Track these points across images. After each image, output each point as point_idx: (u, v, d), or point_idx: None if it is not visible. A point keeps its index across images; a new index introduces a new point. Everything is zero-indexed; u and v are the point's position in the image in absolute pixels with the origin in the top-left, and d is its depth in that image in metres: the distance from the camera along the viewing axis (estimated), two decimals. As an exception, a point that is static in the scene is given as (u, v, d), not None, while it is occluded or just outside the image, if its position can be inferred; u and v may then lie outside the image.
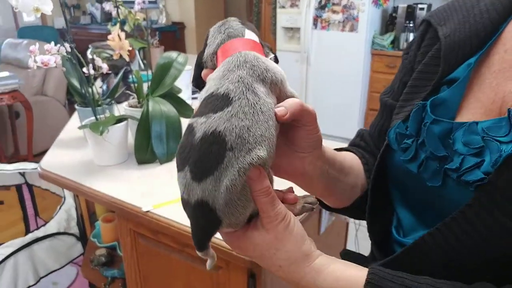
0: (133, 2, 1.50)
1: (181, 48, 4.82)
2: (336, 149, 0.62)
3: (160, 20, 4.78)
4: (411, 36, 3.37)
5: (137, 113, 1.22)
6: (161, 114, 1.22)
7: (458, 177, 0.43)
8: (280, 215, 0.42)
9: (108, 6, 1.66)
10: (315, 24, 3.55)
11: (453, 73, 0.49)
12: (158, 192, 1.08)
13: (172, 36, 4.65)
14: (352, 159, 0.62)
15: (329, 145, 0.56)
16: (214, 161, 0.38)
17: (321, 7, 3.48)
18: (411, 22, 3.36)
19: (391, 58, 3.45)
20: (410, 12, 3.37)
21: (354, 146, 0.68)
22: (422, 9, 3.36)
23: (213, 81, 0.43)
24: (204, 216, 0.40)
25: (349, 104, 3.64)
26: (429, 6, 3.42)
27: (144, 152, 1.21)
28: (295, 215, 0.46)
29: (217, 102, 0.40)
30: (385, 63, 3.50)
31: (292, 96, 0.46)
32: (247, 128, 0.38)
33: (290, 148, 0.49)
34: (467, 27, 0.49)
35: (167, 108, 1.25)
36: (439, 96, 0.48)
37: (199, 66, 0.50)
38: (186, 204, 0.41)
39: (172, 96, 1.32)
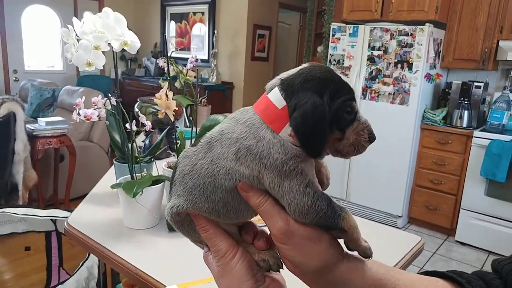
0: (186, 59, 1.51)
1: (229, 108, 4.90)
2: (427, 273, 0.43)
3: (211, 79, 4.94)
4: (465, 114, 3.20)
5: (175, 175, 1.14)
6: (200, 178, 1.13)
7: None
8: (220, 252, 0.42)
9: (161, 62, 1.68)
10: (364, 94, 3.49)
11: None
12: (186, 268, 0.95)
13: (221, 95, 4.76)
14: None
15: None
16: (170, 184, 0.43)
17: (371, 78, 3.44)
18: (466, 99, 3.22)
19: (442, 134, 3.28)
20: (465, 89, 3.23)
21: (477, 278, 0.42)
22: (478, 87, 3.22)
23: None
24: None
25: (395, 179, 3.43)
26: (486, 84, 3.28)
27: (177, 218, 1.11)
28: (254, 260, 0.42)
29: (199, 140, 0.42)
30: (435, 139, 3.32)
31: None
32: (183, 175, 0.40)
33: None
34: None
35: (207, 172, 1.16)
36: None
37: None
38: None
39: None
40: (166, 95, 1.04)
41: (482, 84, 3.23)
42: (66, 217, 1.71)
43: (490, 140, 2.96)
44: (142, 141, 1.67)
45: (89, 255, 1.58)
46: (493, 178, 2.94)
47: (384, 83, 3.37)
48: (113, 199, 1.32)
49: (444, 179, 3.31)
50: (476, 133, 3.07)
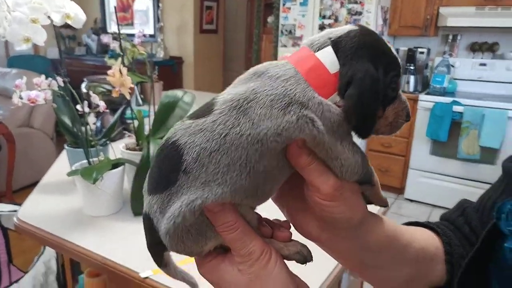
0: (130, 35, 1.41)
1: (179, 83, 4.74)
2: (410, 223, 0.48)
3: (158, 54, 4.73)
4: (412, 79, 3.34)
5: (136, 156, 1.08)
6: (163, 158, 1.08)
7: None
8: (254, 254, 0.33)
9: (106, 39, 1.56)
10: (315, 63, 3.52)
11: None
12: (157, 252, 0.92)
13: (169, 71, 4.58)
14: (426, 243, 0.46)
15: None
16: (166, 178, 0.32)
17: (322, 47, 3.46)
18: (412, 65, 3.35)
19: (391, 99, 3.41)
20: (411, 55, 3.36)
21: (447, 221, 0.51)
22: (422, 53, 3.37)
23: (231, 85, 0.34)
24: (150, 233, 0.35)
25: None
26: (428, 50, 3.43)
27: (141, 202, 1.06)
28: (284, 257, 0.36)
29: (202, 109, 0.32)
30: (385, 105, 3.45)
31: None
32: (210, 152, 0.30)
33: (305, 204, 0.37)
34: None
35: (170, 151, 1.11)
36: None
37: None
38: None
39: (175, 138, 1.19)
40: (120, 72, 0.97)
41: (425, 50, 3.37)
42: (14, 211, 1.58)
43: (433, 103, 3.13)
44: (93, 124, 1.57)
45: (44, 249, 1.48)
46: (437, 138, 3.13)
47: (335, 52, 3.42)
48: (68, 187, 1.23)
49: (394, 142, 3.48)
50: (421, 96, 3.23)
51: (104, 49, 5.21)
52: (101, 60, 4.76)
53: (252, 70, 0.33)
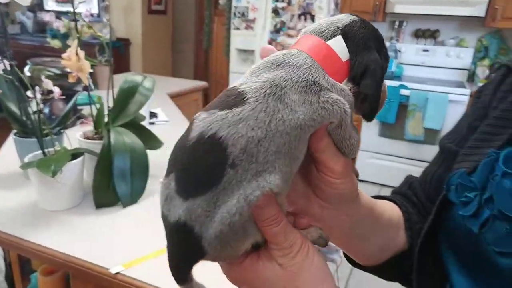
0: (68, 13, 1.31)
1: (126, 66, 4.51)
2: (375, 197, 0.52)
3: (104, 35, 4.45)
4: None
5: (96, 146, 1.02)
6: (125, 147, 1.03)
7: None
8: (296, 245, 0.33)
9: (48, 17, 1.43)
10: (269, 47, 3.51)
11: None
12: (124, 246, 0.88)
13: (116, 53, 4.34)
14: (391, 213, 0.51)
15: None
16: (209, 177, 0.29)
17: (276, 31, 3.46)
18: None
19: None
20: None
21: (399, 195, 0.57)
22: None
23: (244, 75, 0.33)
24: (184, 242, 0.31)
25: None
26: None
27: (104, 193, 1.00)
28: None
29: (230, 99, 0.30)
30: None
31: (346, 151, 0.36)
32: (258, 141, 0.29)
33: (308, 188, 0.39)
34: None
35: (132, 139, 1.06)
36: None
37: None
38: (164, 219, 0.32)
39: (136, 126, 1.13)
40: (77, 55, 0.89)
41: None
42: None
43: (382, 87, 3.27)
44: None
45: (-10, 246, 1.37)
46: (385, 120, 3.29)
47: (289, 36, 3.43)
48: (18, 180, 1.14)
49: (345, 125, 3.60)
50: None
51: (41, 28, 4.82)
52: (38, 40, 4.40)
53: (267, 59, 0.33)
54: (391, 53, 3.46)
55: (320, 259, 0.34)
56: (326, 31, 0.34)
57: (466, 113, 0.53)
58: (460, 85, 3.29)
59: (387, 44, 3.57)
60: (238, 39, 3.65)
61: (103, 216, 0.98)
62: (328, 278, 0.34)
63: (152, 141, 1.14)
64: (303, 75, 0.31)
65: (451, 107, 3.09)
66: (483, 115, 0.49)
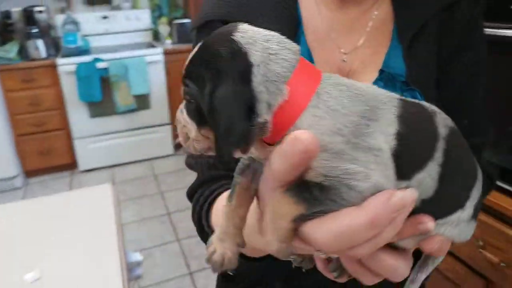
0: None
1: None
2: None
3: None
4: (40, 43, 2.94)
5: None
6: None
7: None
8: None
9: None
10: None
11: None
12: None
13: None
14: None
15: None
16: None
17: None
18: (35, 27, 2.93)
19: (24, 71, 2.93)
20: (29, 16, 2.93)
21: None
22: (41, 11, 2.99)
23: None
24: None
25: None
26: (48, 8, 3.09)
27: None
28: None
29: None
30: (19, 79, 2.92)
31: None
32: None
33: None
34: None
35: None
36: None
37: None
38: None
39: None
40: None
41: (44, 9, 3.00)
42: None
43: (76, 65, 2.93)
44: None
45: None
46: (92, 99, 3.02)
47: None
48: None
49: (46, 117, 3.08)
50: (59, 60, 2.94)
51: None
52: None
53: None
54: (70, 27, 3.11)
55: None
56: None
57: None
58: (151, 45, 3.38)
59: (61, 16, 3.17)
60: None
61: None
62: None
63: None
64: None
65: (150, 68, 3.15)
66: None
